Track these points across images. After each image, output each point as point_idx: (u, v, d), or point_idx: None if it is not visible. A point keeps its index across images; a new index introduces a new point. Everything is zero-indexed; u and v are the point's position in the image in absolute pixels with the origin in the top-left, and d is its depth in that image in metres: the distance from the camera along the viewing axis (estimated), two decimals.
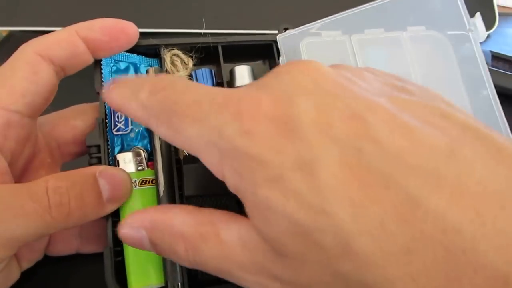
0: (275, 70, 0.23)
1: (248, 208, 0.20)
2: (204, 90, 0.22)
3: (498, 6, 0.56)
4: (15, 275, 0.30)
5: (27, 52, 0.28)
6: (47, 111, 0.32)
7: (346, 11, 0.37)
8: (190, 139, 0.22)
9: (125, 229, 0.25)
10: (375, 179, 0.18)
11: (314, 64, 0.22)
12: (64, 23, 0.43)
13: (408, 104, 0.20)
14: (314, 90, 0.21)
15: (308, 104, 0.20)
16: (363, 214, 0.17)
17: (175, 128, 0.22)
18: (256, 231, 0.20)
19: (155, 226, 0.24)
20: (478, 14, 0.35)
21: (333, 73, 0.22)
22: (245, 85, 0.29)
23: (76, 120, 0.33)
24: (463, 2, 0.36)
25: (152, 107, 0.23)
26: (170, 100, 0.22)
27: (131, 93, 0.24)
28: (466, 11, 0.36)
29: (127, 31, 0.31)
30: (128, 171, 0.31)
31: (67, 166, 0.34)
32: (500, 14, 0.55)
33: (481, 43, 0.53)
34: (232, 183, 0.21)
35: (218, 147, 0.20)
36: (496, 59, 0.46)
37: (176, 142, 0.23)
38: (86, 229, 0.34)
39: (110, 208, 0.29)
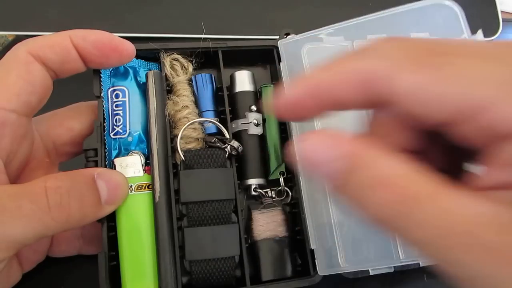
0: None
1: None
2: None
3: (502, 12, 0.55)
4: (16, 277, 0.30)
5: (20, 51, 0.28)
6: (48, 110, 0.32)
7: (350, 20, 0.37)
8: None
9: (318, 142, 0.20)
10: None
11: None
12: (69, 29, 0.43)
13: None
14: None
15: None
16: None
17: None
18: None
19: (365, 152, 0.19)
20: (479, 31, 0.34)
21: None
22: None
23: (73, 121, 0.33)
24: (465, 18, 0.34)
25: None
26: None
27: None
28: (467, 27, 0.34)
29: (120, 50, 0.30)
30: (124, 175, 0.31)
31: (63, 165, 0.34)
32: (503, 20, 0.54)
33: None
34: None
35: None
36: None
37: None
38: (87, 231, 0.34)
39: (107, 210, 0.29)
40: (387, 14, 0.35)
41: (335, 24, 0.37)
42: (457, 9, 0.35)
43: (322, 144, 0.20)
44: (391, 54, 0.20)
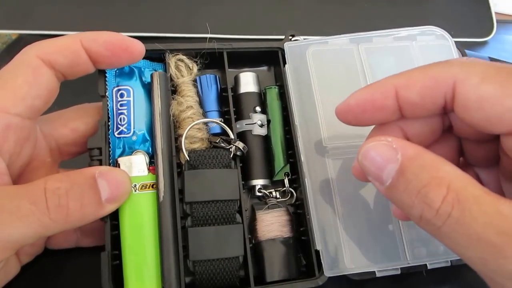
0: None
1: None
2: None
3: (496, 13, 0.57)
4: (14, 271, 0.30)
5: (29, 55, 0.28)
6: (52, 109, 0.32)
7: (357, 34, 0.38)
8: None
9: (377, 144, 0.23)
10: None
11: None
12: (72, 28, 0.44)
13: None
14: None
15: None
16: None
17: None
18: None
19: (418, 158, 0.21)
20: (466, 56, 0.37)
21: None
22: None
23: (77, 122, 0.33)
24: (455, 46, 0.37)
25: None
26: None
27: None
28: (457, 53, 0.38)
29: (131, 49, 0.31)
30: (127, 174, 0.30)
31: (66, 163, 0.34)
32: (498, 21, 0.56)
33: (479, 49, 0.54)
34: None
35: None
36: None
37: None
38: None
39: (109, 209, 0.28)
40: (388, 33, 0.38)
41: (341, 35, 0.38)
42: (448, 37, 0.38)
43: (381, 148, 0.23)
44: (468, 68, 0.22)
